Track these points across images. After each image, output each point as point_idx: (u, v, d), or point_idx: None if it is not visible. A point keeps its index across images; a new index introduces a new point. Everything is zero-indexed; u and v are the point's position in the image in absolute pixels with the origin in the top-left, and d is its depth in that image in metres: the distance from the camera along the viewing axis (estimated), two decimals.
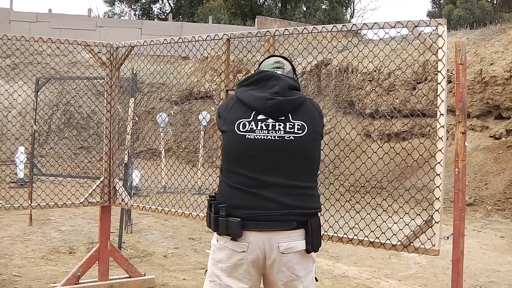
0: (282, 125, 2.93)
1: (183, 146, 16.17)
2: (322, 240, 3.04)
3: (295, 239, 2.90)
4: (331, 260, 7.24)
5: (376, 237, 3.79)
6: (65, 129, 17.20)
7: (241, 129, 2.95)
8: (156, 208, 5.16)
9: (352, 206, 4.15)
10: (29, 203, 6.36)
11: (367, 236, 3.84)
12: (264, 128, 2.93)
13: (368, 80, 15.06)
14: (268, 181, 2.90)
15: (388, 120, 13.69)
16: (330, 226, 4.01)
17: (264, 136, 2.92)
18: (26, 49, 5.16)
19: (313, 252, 2.98)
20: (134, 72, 7.39)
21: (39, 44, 5.30)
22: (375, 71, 14.70)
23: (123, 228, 7.87)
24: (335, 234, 3.93)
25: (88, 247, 7.44)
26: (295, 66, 3.35)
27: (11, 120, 7.58)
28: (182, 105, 17.47)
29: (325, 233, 3.94)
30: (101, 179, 5.57)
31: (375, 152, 4.57)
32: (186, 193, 6.48)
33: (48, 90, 11.46)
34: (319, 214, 3.02)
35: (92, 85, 15.00)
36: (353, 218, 4.04)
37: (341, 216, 4.14)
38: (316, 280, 3.12)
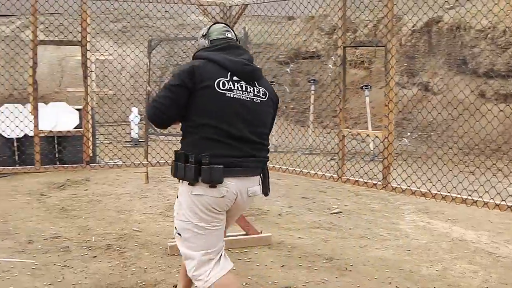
0: (252, 88, 3.38)
1: (291, 106, 16.23)
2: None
3: (257, 184, 3.41)
4: (448, 223, 7.03)
5: (491, 198, 3.71)
6: None
7: (221, 87, 3.28)
8: (273, 166, 5.31)
9: (466, 166, 4.07)
10: (148, 160, 6.67)
11: (481, 197, 3.77)
12: (240, 89, 3.33)
13: (482, 37, 14.42)
14: (239, 135, 3.28)
15: (504, 79, 13.10)
16: (443, 186, 3.97)
17: (240, 96, 3.32)
18: (137, 13, 5.33)
19: None
20: (246, 31, 7.47)
21: (154, 5, 5.43)
22: (489, 28, 14.05)
23: None
24: (448, 194, 3.88)
25: None
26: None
27: (124, 83, 7.90)
28: (290, 65, 17.48)
29: (439, 193, 3.91)
30: None
31: (490, 110, 4.46)
32: (297, 151, 6.57)
33: (157, 52, 11.77)
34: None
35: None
36: (467, 178, 3.97)
37: (454, 176, 4.09)
38: None
